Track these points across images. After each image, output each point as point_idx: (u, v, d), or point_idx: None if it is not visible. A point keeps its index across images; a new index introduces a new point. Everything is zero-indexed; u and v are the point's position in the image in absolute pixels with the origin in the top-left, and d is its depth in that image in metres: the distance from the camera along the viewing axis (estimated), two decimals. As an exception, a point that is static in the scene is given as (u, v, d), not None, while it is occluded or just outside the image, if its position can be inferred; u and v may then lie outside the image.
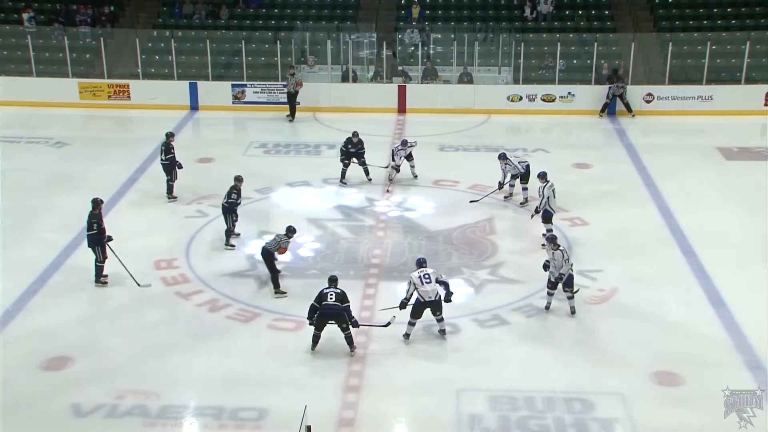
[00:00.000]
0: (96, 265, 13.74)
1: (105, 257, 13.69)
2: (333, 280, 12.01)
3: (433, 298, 11.90)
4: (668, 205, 16.91)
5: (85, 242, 13.85)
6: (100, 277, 13.75)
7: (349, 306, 11.74)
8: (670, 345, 12.09)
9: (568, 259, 12.68)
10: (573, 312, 12.87)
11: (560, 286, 12.77)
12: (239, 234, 15.43)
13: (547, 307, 13.04)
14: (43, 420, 10.58)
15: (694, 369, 11.48)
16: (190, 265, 14.49)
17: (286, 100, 22.96)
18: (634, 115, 23.02)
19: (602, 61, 24.00)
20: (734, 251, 14.93)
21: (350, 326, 11.74)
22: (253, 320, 12.85)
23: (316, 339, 11.83)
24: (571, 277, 12.73)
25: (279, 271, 13.78)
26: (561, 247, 12.77)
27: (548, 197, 14.92)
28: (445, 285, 12.12)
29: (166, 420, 10.54)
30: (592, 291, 13.54)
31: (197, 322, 12.84)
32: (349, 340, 11.78)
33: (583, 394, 10.97)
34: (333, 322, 11.69)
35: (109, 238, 13.71)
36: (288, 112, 22.89)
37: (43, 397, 10.96)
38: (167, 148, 16.98)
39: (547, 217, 15.01)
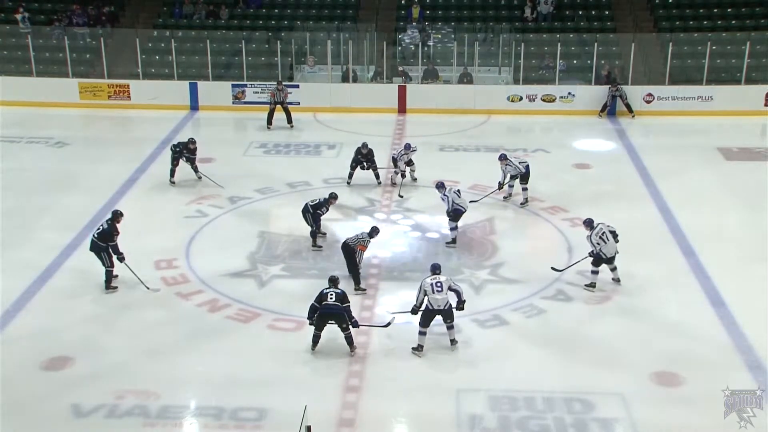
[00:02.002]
0: (106, 270, 13.48)
1: (112, 262, 13.48)
2: (333, 281, 12.01)
3: (442, 307, 11.66)
4: (668, 205, 16.91)
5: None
6: (110, 283, 13.51)
7: (349, 306, 11.72)
8: (670, 345, 12.08)
9: (598, 243, 13.45)
10: (586, 286, 13.54)
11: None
12: (325, 234, 15.38)
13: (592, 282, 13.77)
14: (43, 420, 10.57)
15: (694, 369, 11.47)
16: (190, 265, 14.49)
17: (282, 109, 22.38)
18: (634, 116, 23.01)
19: (602, 61, 24.01)
20: (734, 251, 14.92)
21: (350, 326, 11.73)
22: (253, 320, 12.83)
23: (316, 339, 11.82)
24: (598, 255, 13.42)
25: (359, 268, 13.67)
26: (589, 234, 13.53)
27: (452, 200, 15.05)
28: (458, 293, 11.87)
29: (166, 420, 10.53)
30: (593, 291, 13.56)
31: (197, 322, 12.82)
32: (349, 340, 11.77)
33: (583, 394, 10.96)
34: (333, 322, 11.68)
35: (121, 258, 13.46)
36: (287, 121, 22.43)
37: (43, 397, 10.95)
38: (195, 149, 17.94)
39: (457, 215, 15.09)
